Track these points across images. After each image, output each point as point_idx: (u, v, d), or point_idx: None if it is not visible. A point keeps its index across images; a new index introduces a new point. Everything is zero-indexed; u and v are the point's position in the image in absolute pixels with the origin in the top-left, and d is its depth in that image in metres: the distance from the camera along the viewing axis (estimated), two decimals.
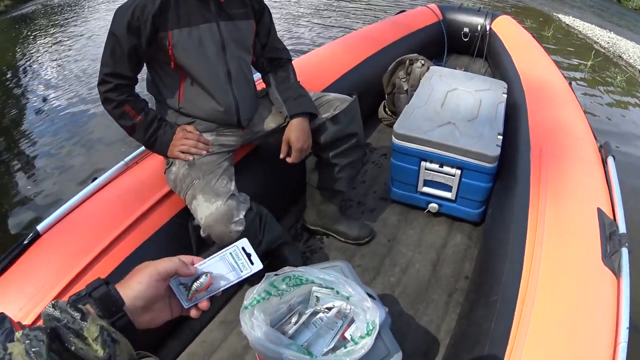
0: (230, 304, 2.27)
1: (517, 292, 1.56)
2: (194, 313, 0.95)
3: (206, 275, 0.92)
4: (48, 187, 4.53)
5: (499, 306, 1.61)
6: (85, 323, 0.75)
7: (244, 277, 0.95)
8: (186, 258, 0.94)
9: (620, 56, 7.85)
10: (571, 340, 1.37)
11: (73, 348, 0.70)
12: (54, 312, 0.74)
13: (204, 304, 0.94)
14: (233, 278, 0.95)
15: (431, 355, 1.99)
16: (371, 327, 1.52)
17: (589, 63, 6.95)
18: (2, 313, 0.74)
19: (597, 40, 8.57)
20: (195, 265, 0.94)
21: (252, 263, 0.95)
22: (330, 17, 9.57)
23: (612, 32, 9.30)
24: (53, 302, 0.76)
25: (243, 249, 0.95)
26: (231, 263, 0.95)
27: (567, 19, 9.93)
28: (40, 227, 1.84)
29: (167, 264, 0.89)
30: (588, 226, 1.77)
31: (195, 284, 0.92)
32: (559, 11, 10.51)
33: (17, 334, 0.66)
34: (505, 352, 1.39)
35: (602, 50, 7.99)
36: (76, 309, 0.76)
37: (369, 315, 1.56)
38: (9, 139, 5.72)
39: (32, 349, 0.64)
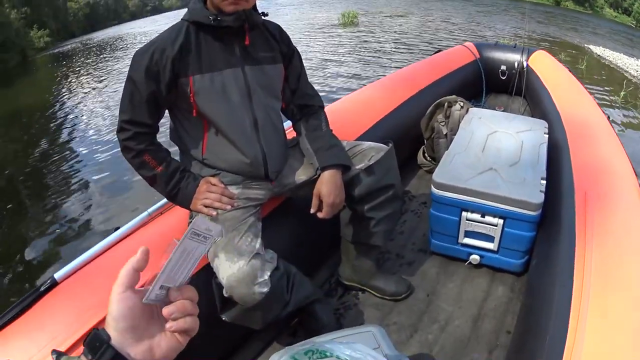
0: None
1: (562, 356, 1.44)
2: (170, 326, 0.76)
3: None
4: (70, 232, 4.56)
5: None
6: None
7: (206, 250, 0.81)
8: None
9: None
10: None
11: None
12: None
13: (168, 311, 0.75)
14: (197, 255, 0.80)
15: None
16: None
17: (622, 93, 6.85)
18: None
19: (627, 69, 8.40)
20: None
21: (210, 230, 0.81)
22: (363, 59, 9.52)
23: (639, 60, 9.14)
24: (55, 354, 0.74)
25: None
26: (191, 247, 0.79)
27: (597, 50, 9.82)
28: (57, 275, 1.79)
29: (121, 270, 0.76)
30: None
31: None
32: (590, 42, 10.38)
33: None
34: None
35: (633, 79, 7.80)
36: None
37: None
38: (38, 176, 5.80)
39: None
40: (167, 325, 0.75)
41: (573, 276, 1.72)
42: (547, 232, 2.25)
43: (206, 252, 0.79)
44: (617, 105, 6.63)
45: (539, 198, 2.24)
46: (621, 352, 1.39)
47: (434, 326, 2.28)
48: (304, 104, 2.10)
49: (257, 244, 1.82)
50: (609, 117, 2.96)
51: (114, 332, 0.71)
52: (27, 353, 1.53)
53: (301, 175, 2.07)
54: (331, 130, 2.10)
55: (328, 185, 1.92)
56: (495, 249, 2.46)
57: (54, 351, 0.75)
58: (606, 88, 7.22)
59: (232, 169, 1.91)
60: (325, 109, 2.19)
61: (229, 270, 1.73)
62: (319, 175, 1.97)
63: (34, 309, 1.67)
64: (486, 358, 2.11)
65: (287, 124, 2.17)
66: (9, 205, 5.24)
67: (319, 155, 1.98)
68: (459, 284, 2.52)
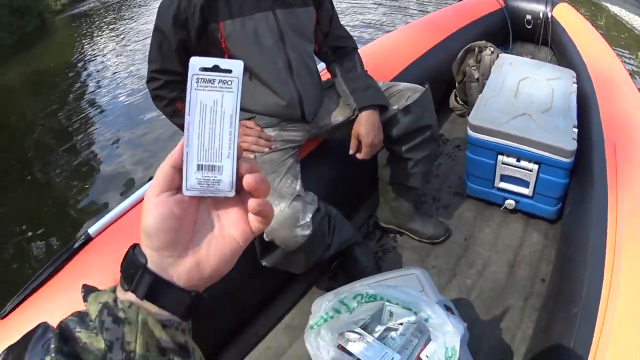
0: (298, 306, 2.19)
1: (598, 305, 1.44)
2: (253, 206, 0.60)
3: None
4: (102, 187, 4.56)
5: (579, 321, 1.48)
6: (87, 303, 0.59)
7: (238, 98, 0.60)
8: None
9: None
10: None
11: (81, 344, 0.54)
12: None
13: (251, 180, 0.59)
14: (228, 110, 0.60)
15: None
16: (450, 354, 1.38)
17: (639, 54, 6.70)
18: (44, 323, 0.60)
19: None
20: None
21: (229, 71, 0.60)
22: (389, 4, 9.38)
23: None
24: (84, 290, 0.62)
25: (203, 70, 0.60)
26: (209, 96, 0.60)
27: (615, 9, 9.63)
28: (91, 230, 1.80)
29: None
30: None
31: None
32: (606, 0, 10.16)
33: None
34: None
35: None
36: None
37: (448, 340, 1.42)
38: (68, 136, 5.79)
39: None
40: (251, 204, 0.59)
41: (607, 225, 1.72)
42: (579, 181, 2.25)
43: (239, 100, 0.60)
44: (636, 65, 6.54)
45: (573, 145, 2.21)
46: None
47: (472, 271, 2.28)
48: (338, 46, 2.06)
49: (298, 185, 1.81)
50: (631, 74, 2.91)
51: (151, 251, 0.59)
52: (65, 309, 1.53)
53: (338, 116, 2.04)
54: (366, 71, 2.05)
55: (366, 126, 1.89)
56: (530, 194, 2.45)
57: (84, 286, 0.63)
58: (624, 47, 7.11)
59: (267, 112, 1.88)
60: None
61: None
62: (356, 116, 1.94)
63: (69, 266, 1.68)
64: (521, 305, 2.10)
65: (321, 66, 2.14)
66: (38, 167, 5.25)
67: (355, 96, 1.94)
68: (495, 228, 2.50)
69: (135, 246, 0.61)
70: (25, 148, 5.77)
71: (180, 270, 0.59)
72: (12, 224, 4.31)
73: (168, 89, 1.77)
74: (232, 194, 0.60)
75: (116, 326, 0.54)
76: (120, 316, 0.55)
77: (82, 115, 6.24)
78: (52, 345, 0.53)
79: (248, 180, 0.58)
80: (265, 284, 2.15)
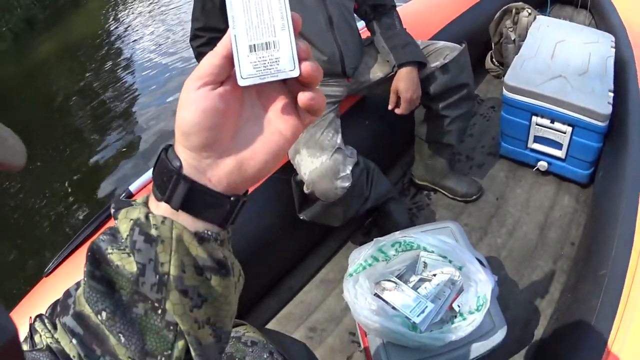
0: (332, 262, 2.24)
1: (627, 269, 1.46)
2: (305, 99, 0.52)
3: None
4: (142, 148, 4.61)
5: (607, 282, 1.50)
6: (117, 221, 0.54)
7: None
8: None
9: None
10: None
11: (113, 267, 0.52)
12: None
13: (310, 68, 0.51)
14: None
15: (532, 326, 1.90)
16: (481, 302, 1.44)
17: None
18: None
19: None
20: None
21: None
22: None
23: None
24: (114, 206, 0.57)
25: None
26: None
27: None
28: (132, 187, 1.86)
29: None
30: None
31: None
32: None
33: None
34: (610, 333, 1.31)
35: None
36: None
37: (480, 288, 1.47)
38: (109, 98, 5.84)
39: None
40: (304, 97, 0.52)
41: (639, 192, 1.72)
42: (614, 146, 2.24)
43: None
44: None
45: (607, 109, 2.20)
46: None
47: (502, 230, 2.30)
48: (377, 4, 2.07)
49: (338, 139, 1.85)
50: None
51: (188, 152, 0.53)
52: None
53: (377, 73, 2.07)
54: (405, 29, 2.07)
55: (405, 81, 1.92)
56: (563, 156, 2.45)
57: (116, 201, 0.57)
58: None
59: None
60: None
61: (312, 165, 1.76)
62: (396, 72, 1.96)
63: (110, 224, 1.72)
64: (550, 267, 2.13)
65: (360, 24, 2.15)
66: (79, 133, 5.35)
67: (395, 52, 1.96)
68: (527, 189, 2.52)
69: (168, 148, 0.56)
70: (63, 116, 5.86)
71: (221, 173, 0.53)
72: (56, 187, 4.42)
73: (212, 46, 1.79)
74: (297, 72, 0.51)
75: (148, 246, 0.51)
76: (152, 234, 0.51)
77: (120, 84, 6.28)
78: (85, 269, 0.53)
79: (304, 67, 0.50)
80: (301, 239, 2.20)
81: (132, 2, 10.01)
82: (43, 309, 0.58)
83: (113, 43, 7.88)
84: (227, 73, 0.52)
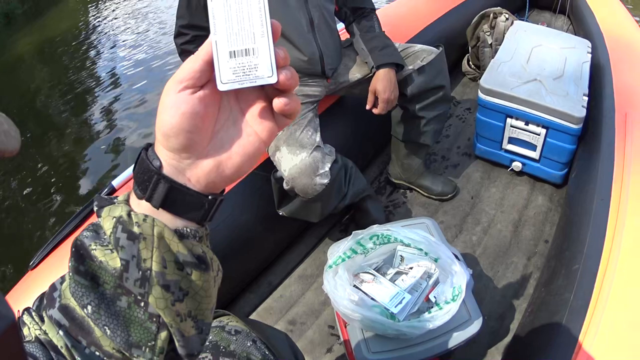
0: (310, 257, 2.28)
1: (599, 264, 1.51)
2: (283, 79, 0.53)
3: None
4: (124, 144, 4.61)
5: (579, 276, 1.56)
6: (100, 219, 0.56)
7: None
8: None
9: None
10: None
11: (97, 263, 0.54)
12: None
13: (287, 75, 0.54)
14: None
15: (507, 320, 1.95)
16: (457, 293, 1.49)
17: None
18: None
19: None
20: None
21: None
22: None
23: None
24: (97, 202, 0.59)
25: None
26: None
27: None
28: (115, 182, 1.87)
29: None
30: None
31: None
32: None
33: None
34: (582, 325, 1.36)
35: None
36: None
37: (455, 280, 1.52)
38: (89, 94, 5.82)
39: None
40: (279, 102, 0.54)
41: (611, 190, 1.78)
42: (587, 147, 2.29)
43: None
44: None
45: (581, 112, 2.25)
46: None
47: (477, 228, 2.35)
48: (357, 7, 2.12)
49: (317, 137, 1.89)
50: None
51: (167, 153, 0.55)
52: None
53: (356, 74, 2.12)
54: (384, 32, 2.12)
55: (383, 82, 1.96)
56: (537, 157, 2.50)
57: (97, 198, 0.59)
58: None
59: None
60: None
61: (292, 162, 1.80)
62: (374, 73, 2.01)
63: (93, 218, 1.74)
64: (525, 263, 2.18)
65: (340, 26, 2.19)
66: (58, 128, 5.32)
67: (373, 54, 2.01)
68: (501, 189, 2.57)
69: (148, 147, 0.58)
70: (42, 111, 5.82)
71: (200, 173, 0.56)
72: (39, 180, 4.40)
73: (195, 44, 1.83)
74: (274, 79, 0.53)
75: (131, 243, 0.53)
76: (135, 231, 0.53)
77: (101, 80, 6.26)
78: (69, 264, 0.55)
79: (282, 75, 0.53)
80: (280, 235, 2.24)
81: None
82: (29, 301, 0.60)
83: (93, 39, 7.84)
84: (207, 77, 0.54)
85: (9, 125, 0.56)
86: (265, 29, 0.52)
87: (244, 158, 0.57)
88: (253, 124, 0.57)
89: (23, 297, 1.62)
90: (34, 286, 1.63)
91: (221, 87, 0.52)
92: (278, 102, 0.54)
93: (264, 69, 0.52)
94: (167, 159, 0.55)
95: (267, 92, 0.57)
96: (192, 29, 1.83)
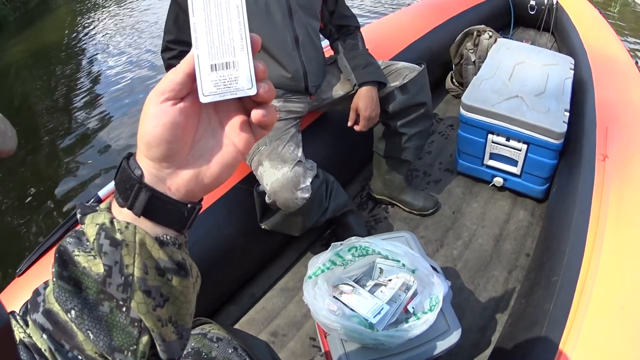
0: (292, 271, 2.30)
1: (578, 275, 1.54)
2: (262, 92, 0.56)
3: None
4: (110, 154, 4.62)
5: (559, 287, 1.59)
6: (84, 226, 0.58)
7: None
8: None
9: None
10: (630, 325, 1.35)
11: (80, 269, 0.56)
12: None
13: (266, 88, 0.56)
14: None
15: (489, 332, 1.97)
16: (434, 303, 1.52)
17: None
18: None
19: None
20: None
21: None
22: None
23: None
24: (80, 210, 0.61)
25: None
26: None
27: None
28: (101, 193, 1.89)
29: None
30: None
31: None
32: None
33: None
34: (562, 334, 1.38)
35: None
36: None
37: (433, 290, 1.55)
38: (70, 105, 5.83)
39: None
40: (257, 114, 0.57)
41: (591, 203, 1.80)
42: (568, 162, 2.32)
43: None
44: None
45: (562, 128, 2.28)
46: (631, 274, 1.50)
47: (459, 242, 2.38)
48: (342, 25, 2.15)
49: (299, 152, 1.92)
50: (637, 62, 2.95)
51: (148, 162, 0.57)
52: None
53: (339, 91, 2.15)
54: (367, 50, 2.16)
55: (365, 100, 2.00)
56: (518, 173, 2.53)
57: (80, 206, 0.62)
58: (637, 37, 7.06)
59: (274, 84, 1.95)
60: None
61: (274, 176, 1.82)
62: (356, 90, 2.04)
63: (80, 226, 1.77)
64: (505, 277, 2.20)
65: (324, 43, 2.22)
66: (43, 139, 5.31)
67: (356, 72, 2.05)
68: (482, 204, 2.60)
69: (130, 156, 0.60)
70: (30, 119, 5.82)
71: (179, 182, 0.58)
72: (26, 189, 4.40)
73: (182, 59, 1.86)
74: (254, 91, 0.55)
75: (114, 249, 0.54)
76: (117, 238, 0.55)
77: (89, 90, 6.26)
78: (53, 270, 0.56)
79: (260, 88, 0.56)
80: (262, 248, 2.25)
81: (103, 9, 10.00)
82: (16, 306, 0.62)
83: (83, 48, 7.82)
84: (188, 89, 0.56)
85: (5, 125, 0.58)
86: (245, 43, 0.55)
87: (222, 168, 0.59)
88: (231, 135, 0.59)
89: (9, 303, 1.62)
90: (21, 293, 1.64)
91: (203, 100, 0.54)
92: (256, 114, 0.57)
93: (243, 81, 0.55)
94: (149, 168, 0.57)
95: (244, 104, 0.60)
96: (179, 44, 1.86)
